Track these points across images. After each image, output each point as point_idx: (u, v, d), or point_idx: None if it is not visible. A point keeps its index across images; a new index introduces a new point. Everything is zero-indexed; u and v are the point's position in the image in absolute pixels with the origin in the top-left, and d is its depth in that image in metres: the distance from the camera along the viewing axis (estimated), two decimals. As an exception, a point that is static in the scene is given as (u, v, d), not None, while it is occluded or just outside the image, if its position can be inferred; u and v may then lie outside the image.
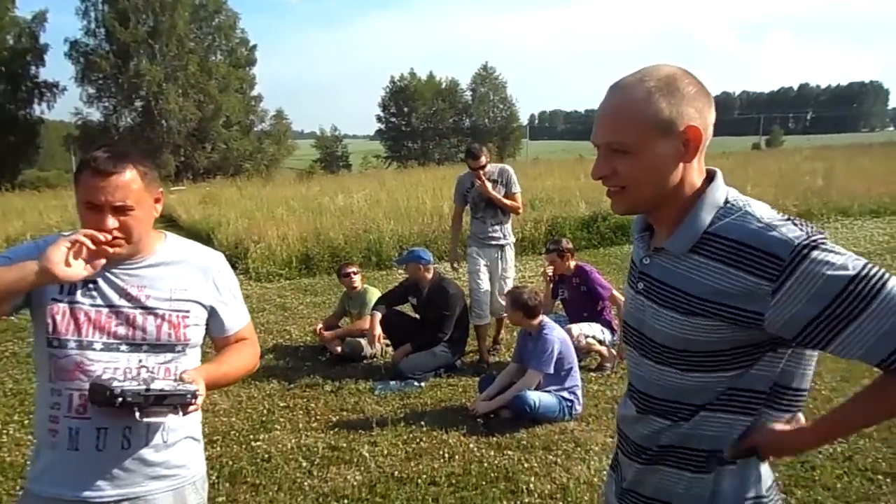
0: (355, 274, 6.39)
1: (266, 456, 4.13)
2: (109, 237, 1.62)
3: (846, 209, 13.71)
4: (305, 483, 3.79)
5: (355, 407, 4.91)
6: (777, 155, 30.94)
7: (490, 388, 4.73)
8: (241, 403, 5.01)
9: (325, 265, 10.10)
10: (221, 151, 43.76)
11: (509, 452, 4.09)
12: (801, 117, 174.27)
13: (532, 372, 4.60)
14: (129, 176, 1.66)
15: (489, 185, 5.69)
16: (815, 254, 1.17)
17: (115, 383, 1.55)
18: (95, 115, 42.77)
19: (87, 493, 1.67)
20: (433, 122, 60.65)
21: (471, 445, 4.19)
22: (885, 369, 1.19)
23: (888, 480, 3.59)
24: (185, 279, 1.79)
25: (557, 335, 4.67)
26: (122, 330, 1.69)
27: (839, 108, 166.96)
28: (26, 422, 4.72)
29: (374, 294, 6.26)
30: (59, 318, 1.67)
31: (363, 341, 5.94)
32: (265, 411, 4.86)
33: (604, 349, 5.59)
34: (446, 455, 4.07)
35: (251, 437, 4.43)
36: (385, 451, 4.14)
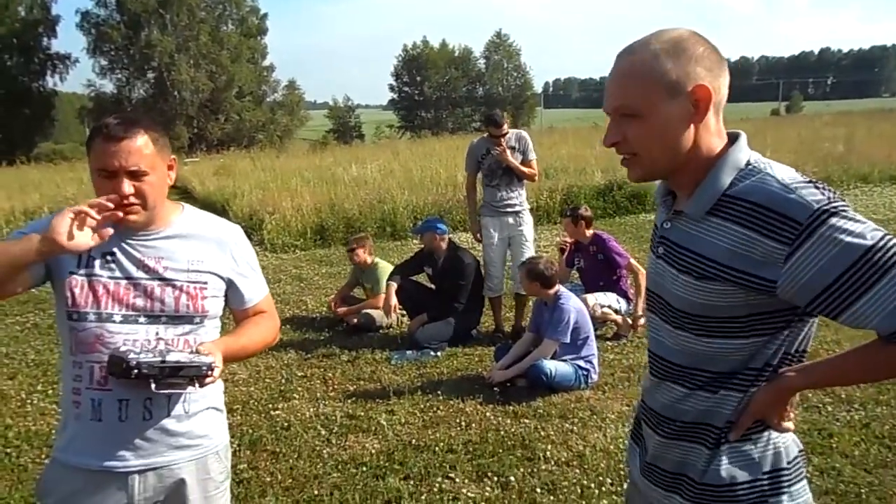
0: (356, 249, 6.37)
1: (285, 424, 4.19)
2: (116, 205, 1.61)
3: (866, 175, 13.53)
4: (324, 451, 3.84)
5: (372, 376, 4.95)
6: (796, 121, 30.50)
7: (506, 357, 4.75)
8: (260, 373, 5.07)
9: (340, 236, 10.12)
10: (234, 122, 43.73)
11: (526, 421, 4.12)
12: (821, 82, 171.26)
13: (548, 341, 4.60)
14: (142, 141, 1.66)
15: (508, 152, 5.59)
16: (833, 220, 1.14)
17: (132, 355, 1.56)
18: (108, 86, 42.93)
19: (111, 463, 1.70)
20: (446, 91, 60.27)
21: (487, 414, 4.23)
22: (894, 342, 1.17)
23: (906, 448, 3.59)
24: (203, 251, 1.79)
25: (573, 304, 4.66)
26: (140, 302, 1.70)
27: (860, 73, 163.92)
28: (50, 392, 4.81)
29: (386, 268, 6.28)
30: (77, 290, 1.68)
31: (378, 312, 5.97)
32: (283, 381, 4.92)
33: (619, 318, 5.59)
34: (463, 423, 4.11)
35: (270, 406, 4.48)
36: (402, 420, 4.18)
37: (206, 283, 1.77)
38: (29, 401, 4.71)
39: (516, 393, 4.51)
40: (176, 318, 1.73)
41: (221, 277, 1.82)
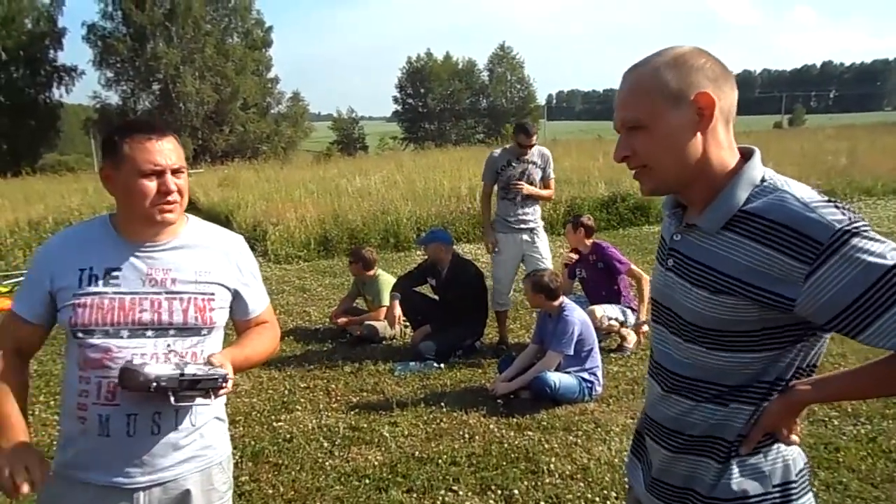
0: (352, 262, 6.38)
1: (288, 436, 4.17)
2: (155, 205, 1.67)
3: (869, 189, 13.53)
4: (327, 463, 3.82)
5: (375, 388, 4.93)
6: (799, 134, 30.51)
7: (510, 369, 4.74)
8: (263, 384, 5.05)
9: (344, 247, 10.11)
10: (239, 134, 43.85)
11: (529, 433, 4.10)
12: (823, 96, 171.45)
13: (552, 353, 4.59)
14: (174, 140, 1.72)
15: (534, 168, 5.51)
16: (855, 240, 1.14)
17: (148, 368, 1.55)
18: (114, 98, 43.05)
19: (119, 479, 1.68)
20: (450, 103, 60.43)
21: (491, 426, 4.20)
22: None
23: (914, 462, 3.56)
24: (209, 262, 1.79)
25: (578, 316, 4.65)
26: (147, 316, 1.69)
27: (863, 87, 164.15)
28: (52, 403, 4.79)
29: (387, 280, 6.27)
30: (81, 310, 1.67)
31: (381, 324, 5.96)
32: (286, 392, 4.90)
33: (625, 330, 5.57)
34: (466, 435, 4.09)
35: (273, 417, 4.47)
36: (405, 432, 4.16)
37: (213, 294, 1.77)
38: (31, 412, 4.69)
39: (520, 405, 4.49)
40: (184, 331, 1.72)
41: (228, 288, 1.81)
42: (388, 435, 4.12)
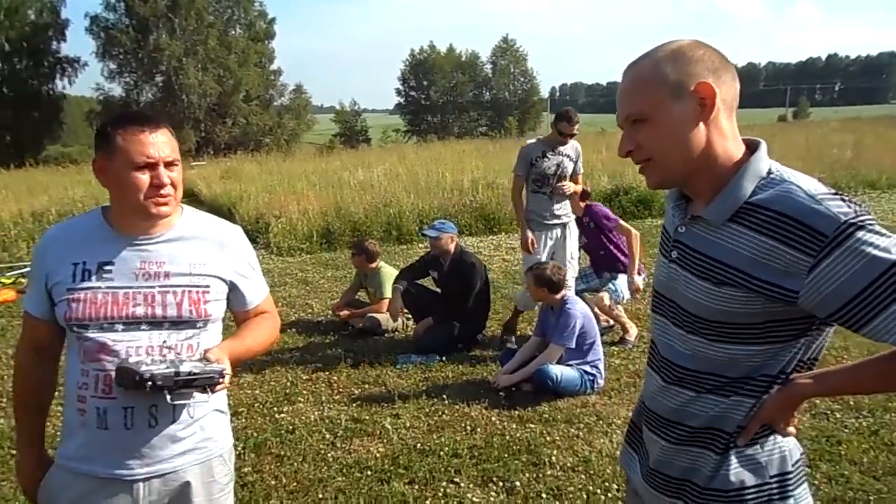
0: (355, 255, 6.37)
1: (290, 428, 4.18)
2: (150, 197, 1.66)
3: (874, 182, 13.51)
4: (329, 455, 3.83)
5: (377, 380, 4.94)
6: (804, 127, 30.39)
7: (511, 361, 4.74)
8: (265, 376, 5.06)
9: (346, 239, 10.12)
10: (241, 126, 43.89)
11: (531, 425, 4.10)
12: (828, 89, 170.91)
13: (554, 346, 4.59)
14: (168, 133, 1.70)
15: (568, 162, 5.40)
16: (860, 233, 1.14)
17: (143, 367, 1.54)
18: (117, 90, 43.15)
19: (118, 471, 1.68)
20: (453, 95, 60.39)
21: (493, 418, 4.21)
22: None
23: (915, 456, 3.56)
24: (204, 253, 1.77)
25: (580, 309, 4.65)
26: (140, 310, 1.67)
27: (868, 79, 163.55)
28: (56, 393, 4.79)
29: (389, 273, 6.26)
30: (75, 305, 1.66)
31: (383, 316, 5.96)
32: (288, 384, 4.91)
33: (629, 324, 5.55)
34: (468, 428, 4.09)
35: (275, 409, 4.48)
36: (407, 424, 4.17)
37: (208, 286, 1.75)
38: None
39: (522, 398, 4.49)
40: (179, 324, 1.71)
41: (224, 280, 1.80)
42: (389, 427, 4.13)
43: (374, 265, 6.33)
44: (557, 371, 4.44)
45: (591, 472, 3.53)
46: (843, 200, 1.18)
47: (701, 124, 1.27)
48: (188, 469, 1.75)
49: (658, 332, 1.47)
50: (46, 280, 1.71)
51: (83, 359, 1.68)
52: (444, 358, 5.30)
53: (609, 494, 3.31)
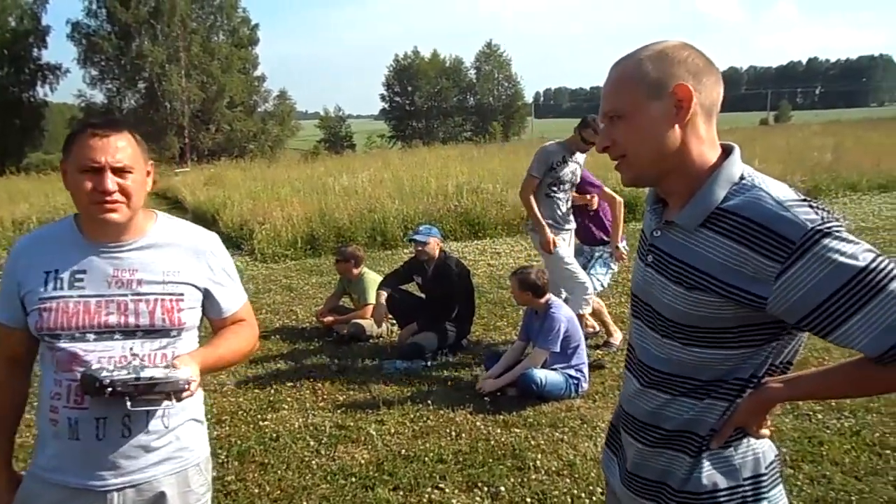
0: (339, 261, 6.35)
1: (274, 435, 4.15)
2: (98, 202, 1.62)
3: (854, 184, 13.66)
4: (313, 462, 3.81)
5: (362, 386, 4.92)
6: (785, 130, 30.73)
7: (496, 366, 4.74)
8: (249, 383, 5.03)
9: (331, 245, 10.08)
10: (225, 133, 43.61)
11: (516, 430, 4.10)
12: (809, 92, 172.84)
13: (538, 350, 4.60)
14: (126, 139, 1.66)
15: (579, 170, 5.37)
16: (826, 240, 1.14)
17: (104, 373, 1.52)
18: (99, 97, 42.67)
19: (91, 482, 1.66)
20: (437, 100, 60.37)
21: (477, 423, 4.20)
22: (882, 363, 1.17)
23: (896, 455, 3.59)
24: (178, 261, 1.75)
25: (564, 313, 4.66)
26: (113, 318, 1.66)
27: (848, 83, 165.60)
28: (37, 403, 4.74)
29: (372, 279, 6.25)
30: (46, 314, 1.64)
31: (367, 322, 5.94)
32: (272, 391, 4.88)
33: (613, 328, 5.57)
34: (453, 433, 4.08)
35: (259, 416, 4.45)
36: (392, 430, 4.16)
37: (182, 294, 1.73)
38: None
39: (507, 402, 4.49)
40: (152, 333, 1.69)
41: (198, 288, 1.78)
42: (374, 433, 4.11)
43: (357, 271, 6.32)
44: (542, 375, 4.45)
45: (576, 475, 3.54)
46: (811, 207, 1.19)
47: (676, 126, 1.28)
48: (163, 479, 1.73)
49: (635, 336, 1.48)
50: (19, 289, 1.69)
51: (56, 369, 1.66)
52: (428, 363, 5.30)
53: (594, 498, 3.32)
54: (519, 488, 3.45)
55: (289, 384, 5.00)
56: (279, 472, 3.72)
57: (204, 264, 1.80)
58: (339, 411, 4.48)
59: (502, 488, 3.44)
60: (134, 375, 1.53)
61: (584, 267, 5.60)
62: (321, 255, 10.01)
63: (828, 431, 3.88)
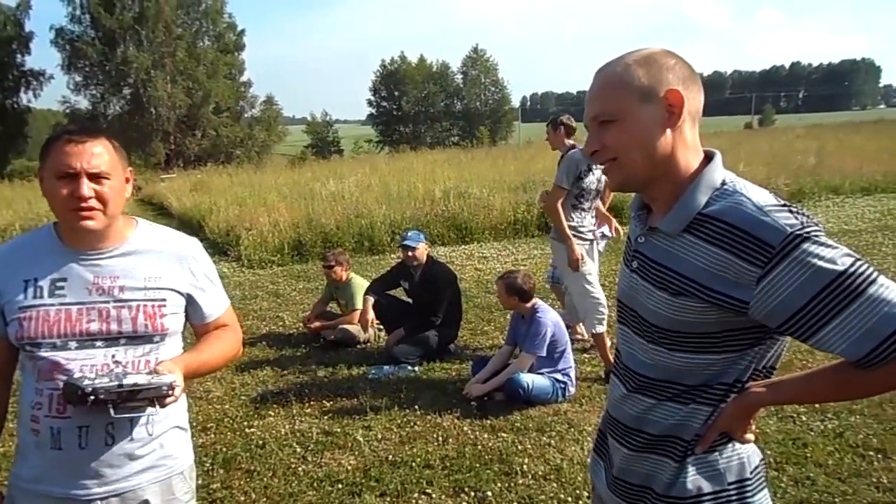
0: (332, 267, 6.31)
1: (260, 442, 4.13)
2: (74, 209, 1.60)
3: (837, 187, 13.78)
4: (300, 468, 3.79)
5: (349, 392, 4.90)
6: (769, 134, 31.02)
7: (483, 371, 4.74)
8: (235, 390, 5.01)
9: (318, 251, 10.04)
10: (212, 138, 43.43)
11: (503, 435, 4.10)
12: (792, 96, 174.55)
13: (525, 355, 4.60)
14: (103, 145, 1.65)
15: (603, 178, 5.21)
16: (806, 245, 1.16)
17: (86, 381, 1.51)
18: (83, 103, 42.39)
19: (74, 492, 1.65)
20: (424, 105, 60.43)
21: (465, 428, 4.20)
22: (862, 367, 1.18)
23: (879, 456, 3.62)
24: (160, 267, 1.74)
25: (550, 318, 4.67)
26: (95, 326, 1.65)
27: (831, 87, 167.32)
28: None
29: (360, 284, 6.24)
30: (27, 323, 1.63)
31: (355, 327, 5.93)
32: (259, 397, 4.86)
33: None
34: (440, 438, 4.08)
35: (245, 423, 4.42)
36: (379, 436, 4.15)
37: (164, 300, 1.72)
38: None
39: (494, 407, 4.49)
40: (135, 339, 1.68)
41: (180, 293, 1.77)
42: (361, 439, 4.10)
43: (344, 277, 6.30)
44: (529, 379, 4.46)
45: (563, 479, 3.54)
46: (791, 212, 1.20)
47: (668, 131, 1.29)
48: (147, 487, 1.72)
49: (622, 342, 1.49)
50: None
51: (37, 378, 1.64)
52: (415, 368, 5.29)
53: (580, 502, 3.32)
54: (506, 493, 3.45)
55: (275, 390, 4.98)
56: (265, 479, 3.70)
57: (186, 270, 1.79)
58: (325, 417, 4.47)
59: (489, 493, 3.44)
60: (116, 383, 1.52)
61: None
62: (308, 261, 9.98)
63: (811, 433, 3.91)
